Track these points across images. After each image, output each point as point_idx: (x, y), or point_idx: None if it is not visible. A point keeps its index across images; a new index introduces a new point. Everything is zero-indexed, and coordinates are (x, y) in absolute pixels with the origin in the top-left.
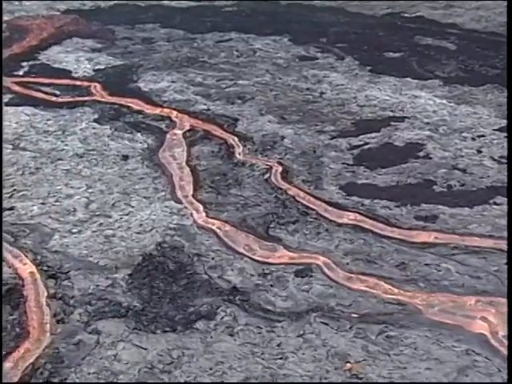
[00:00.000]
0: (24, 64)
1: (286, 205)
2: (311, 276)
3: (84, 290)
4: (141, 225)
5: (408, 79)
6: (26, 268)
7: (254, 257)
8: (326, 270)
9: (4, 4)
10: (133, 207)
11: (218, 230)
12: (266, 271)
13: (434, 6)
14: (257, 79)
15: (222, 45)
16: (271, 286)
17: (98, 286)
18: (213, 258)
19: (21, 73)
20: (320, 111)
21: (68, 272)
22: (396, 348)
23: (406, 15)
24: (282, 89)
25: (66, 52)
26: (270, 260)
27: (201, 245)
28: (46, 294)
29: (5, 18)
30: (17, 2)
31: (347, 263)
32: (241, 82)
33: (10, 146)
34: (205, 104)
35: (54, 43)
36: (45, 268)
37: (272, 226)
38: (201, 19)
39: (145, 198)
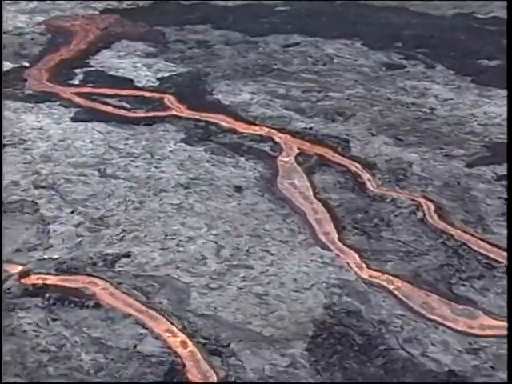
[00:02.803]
0: (77, 71)
1: (459, 254)
2: None
3: (260, 372)
4: (295, 279)
5: None
6: (177, 338)
7: (451, 325)
8: None
9: (36, 3)
10: (273, 254)
11: (390, 287)
12: (475, 346)
13: (506, 6)
14: (349, 91)
15: (290, 50)
16: (492, 368)
17: (274, 365)
18: (402, 327)
19: (76, 82)
20: (438, 131)
21: (229, 345)
22: None
23: (479, 16)
24: (383, 103)
25: (119, 57)
26: (473, 330)
27: (379, 307)
28: (215, 377)
29: (40, 18)
30: (49, 1)
31: None
32: (332, 94)
33: (97, 173)
34: (302, 121)
35: (104, 47)
36: (200, 339)
37: (453, 281)
38: (256, 20)
39: (282, 242)
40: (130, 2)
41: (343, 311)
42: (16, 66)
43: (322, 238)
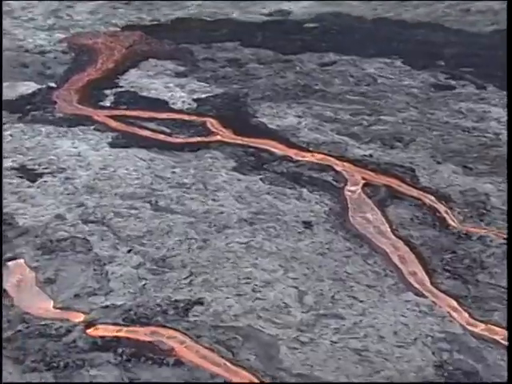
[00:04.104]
0: (107, 92)
1: None
2: None
3: None
4: (394, 332)
5: None
6: None
7: None
8: None
9: (54, 20)
10: (362, 302)
11: (503, 341)
12: None
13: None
14: (402, 114)
15: (329, 69)
16: None
17: None
18: None
19: (107, 103)
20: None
21: None
22: None
23: None
24: (442, 128)
25: (148, 77)
26: None
27: (498, 368)
28: None
29: (60, 35)
30: (67, 17)
31: None
32: (384, 117)
33: (148, 206)
34: (359, 147)
35: (131, 66)
36: None
37: None
38: (286, 37)
39: (369, 286)
40: (150, 18)
41: (458, 371)
42: (42, 86)
43: (413, 281)
